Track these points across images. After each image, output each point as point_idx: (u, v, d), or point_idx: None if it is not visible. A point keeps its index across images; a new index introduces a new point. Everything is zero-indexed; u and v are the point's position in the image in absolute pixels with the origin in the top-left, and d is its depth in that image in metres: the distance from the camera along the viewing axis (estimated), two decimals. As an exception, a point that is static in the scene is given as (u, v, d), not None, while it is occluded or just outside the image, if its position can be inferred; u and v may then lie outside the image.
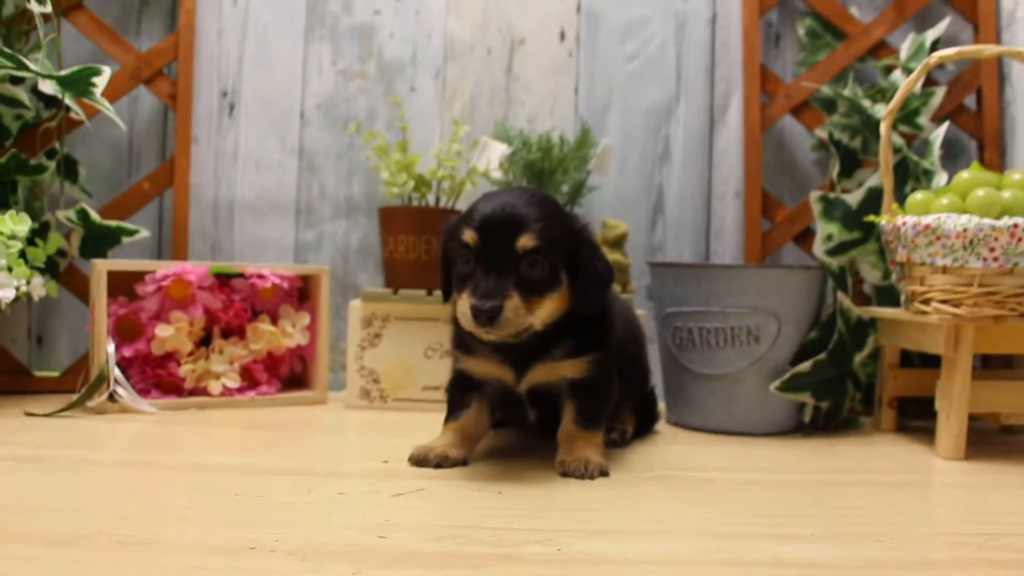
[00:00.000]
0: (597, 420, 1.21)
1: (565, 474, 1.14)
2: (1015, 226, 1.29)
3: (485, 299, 1.05)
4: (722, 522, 0.97)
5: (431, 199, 1.68)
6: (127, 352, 1.54)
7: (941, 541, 0.93)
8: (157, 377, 1.57)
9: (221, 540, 0.84)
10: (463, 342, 1.21)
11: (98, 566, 0.76)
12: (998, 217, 1.31)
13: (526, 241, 1.07)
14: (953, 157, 1.81)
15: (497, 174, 1.64)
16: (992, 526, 1.00)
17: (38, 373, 1.76)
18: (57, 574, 0.73)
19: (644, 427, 1.46)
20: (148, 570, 0.76)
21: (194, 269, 1.56)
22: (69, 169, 1.71)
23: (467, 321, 1.08)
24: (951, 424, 1.33)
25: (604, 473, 1.15)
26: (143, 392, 1.54)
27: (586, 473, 1.14)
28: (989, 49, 1.52)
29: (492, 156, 1.64)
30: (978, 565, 0.85)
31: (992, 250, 1.30)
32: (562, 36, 1.89)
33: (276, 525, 0.90)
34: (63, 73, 1.53)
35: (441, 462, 1.16)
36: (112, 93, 1.67)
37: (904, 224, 1.39)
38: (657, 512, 1.01)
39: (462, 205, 1.69)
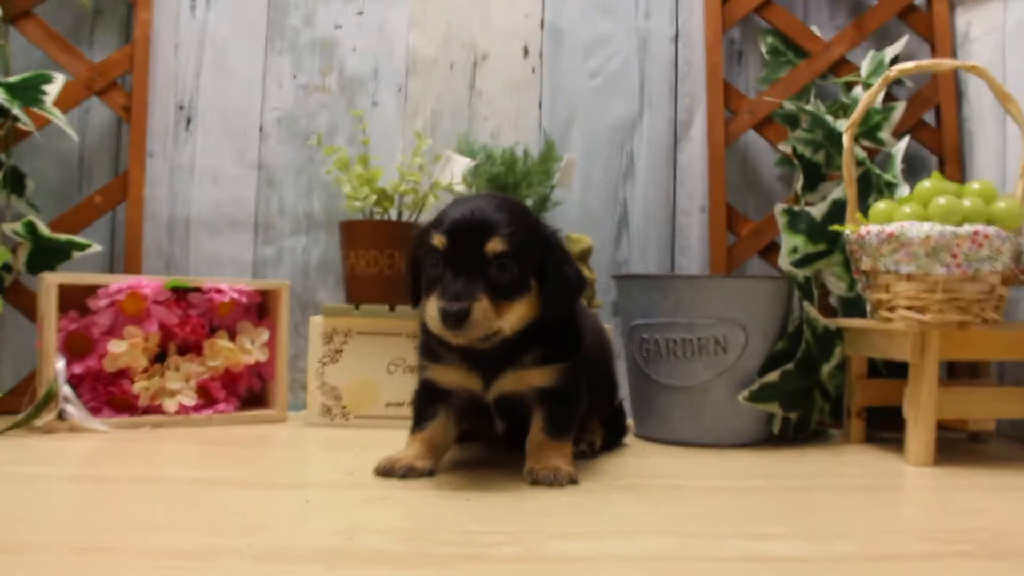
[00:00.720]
0: (567, 429, 1.19)
1: (535, 482, 1.11)
2: (975, 233, 1.30)
3: (454, 301, 1.03)
4: (693, 524, 0.95)
5: (393, 214, 1.65)
6: (78, 369, 1.48)
7: (911, 536, 0.93)
8: (109, 395, 1.51)
9: (187, 545, 0.80)
10: (431, 350, 1.18)
11: (61, 572, 0.71)
12: (959, 224, 1.32)
13: (495, 245, 1.06)
14: (915, 172, 1.83)
15: (460, 188, 1.62)
16: (960, 522, 1.00)
17: (-19, 394, 1.68)
18: None
19: (613, 440, 1.44)
20: (114, 574, 0.71)
21: (149, 283, 1.52)
22: (16, 182, 1.65)
23: (435, 324, 1.05)
24: (919, 430, 1.32)
25: (574, 481, 1.12)
26: (94, 410, 1.48)
27: (555, 481, 1.11)
28: (945, 63, 1.55)
29: (455, 170, 1.62)
30: (946, 557, 0.85)
31: (955, 256, 1.31)
32: (525, 52, 1.89)
33: (242, 531, 0.86)
34: (11, 80, 1.49)
35: (407, 473, 1.13)
36: (63, 104, 1.62)
37: (868, 233, 1.39)
38: (627, 516, 0.99)
39: (425, 219, 1.67)
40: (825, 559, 0.82)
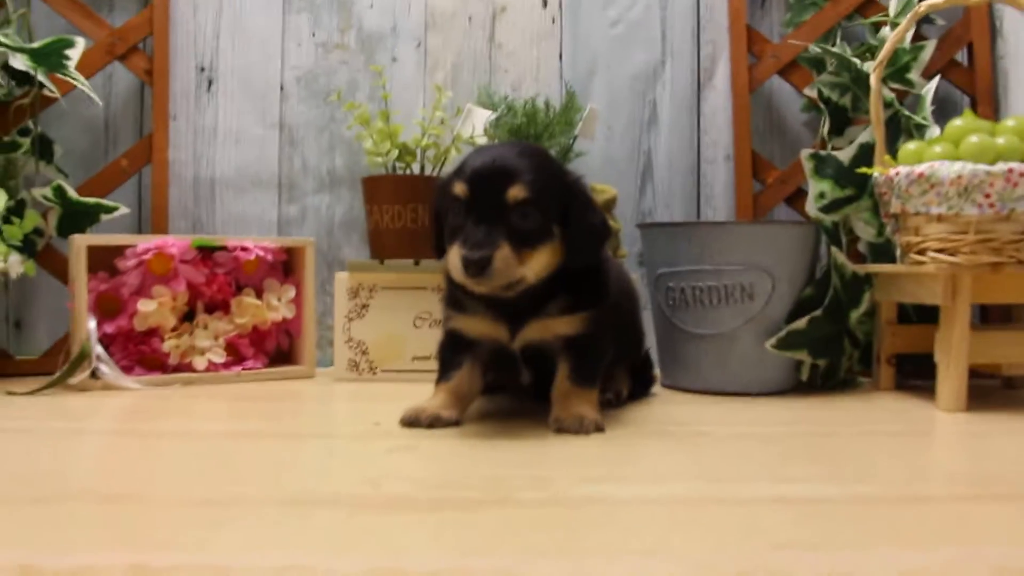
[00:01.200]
0: (593, 377, 1.19)
1: (560, 430, 1.11)
2: (1010, 171, 1.27)
3: (475, 249, 1.03)
4: (720, 469, 0.95)
5: (415, 168, 1.65)
6: (109, 328, 1.50)
7: (939, 480, 0.92)
8: (140, 354, 1.53)
9: (210, 494, 0.81)
10: (456, 300, 1.18)
11: (85, 519, 0.73)
12: (992, 163, 1.29)
13: (517, 192, 1.05)
14: (946, 115, 1.77)
15: (482, 140, 1.61)
16: (990, 467, 0.99)
17: (18, 357, 1.71)
18: (41, 529, 0.70)
19: (640, 390, 1.43)
20: (136, 521, 0.73)
21: (176, 242, 1.53)
22: (44, 148, 1.67)
23: (458, 272, 1.05)
24: (951, 376, 1.31)
25: (600, 429, 1.12)
26: (126, 369, 1.50)
27: (581, 429, 1.11)
28: (978, -3, 1.50)
29: (477, 122, 1.61)
30: (975, 500, 0.83)
31: (988, 196, 1.28)
32: (544, 3, 1.86)
33: (266, 480, 0.87)
34: (35, 45, 1.49)
35: (433, 422, 1.13)
36: (86, 70, 1.63)
37: (898, 175, 1.36)
38: (654, 461, 0.99)
39: (447, 172, 1.67)
40: (853, 501, 0.81)
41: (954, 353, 1.30)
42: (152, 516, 0.74)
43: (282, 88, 1.84)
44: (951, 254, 1.32)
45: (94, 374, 1.44)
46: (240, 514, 0.74)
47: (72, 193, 1.63)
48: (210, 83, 1.83)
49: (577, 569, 0.62)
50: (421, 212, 1.60)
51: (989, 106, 1.76)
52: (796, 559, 0.64)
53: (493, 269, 1.03)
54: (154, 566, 0.61)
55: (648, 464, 0.97)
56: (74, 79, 1.55)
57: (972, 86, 1.78)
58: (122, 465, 0.95)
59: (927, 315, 1.50)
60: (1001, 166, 1.27)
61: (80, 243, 1.47)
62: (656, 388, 1.51)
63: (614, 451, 1.03)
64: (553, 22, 1.86)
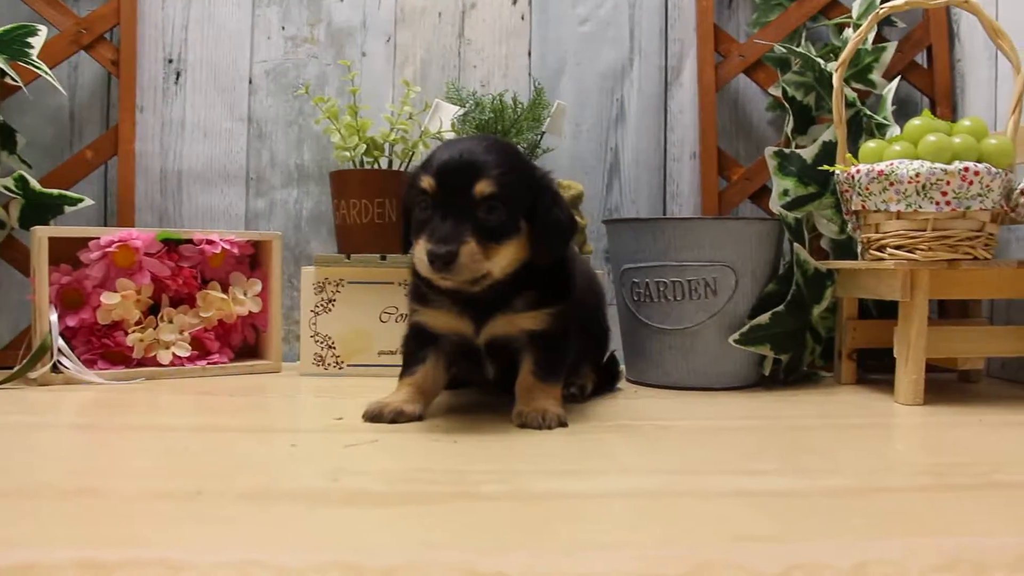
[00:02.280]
0: (556, 372, 1.19)
1: (523, 425, 1.12)
2: (966, 170, 1.30)
3: (441, 244, 1.03)
4: (683, 462, 0.96)
5: (383, 163, 1.65)
6: (71, 322, 1.49)
7: (901, 471, 0.93)
8: (104, 347, 1.52)
9: (170, 487, 0.81)
10: (421, 294, 1.18)
11: (44, 514, 0.72)
12: (949, 162, 1.32)
13: (484, 187, 1.05)
14: (906, 115, 1.80)
15: (450, 135, 1.61)
16: (951, 456, 1.01)
17: (-21, 350, 1.70)
18: None
19: (605, 386, 1.44)
20: (94, 516, 0.72)
21: (141, 235, 1.52)
22: (6, 138, 1.65)
23: (424, 267, 1.05)
24: (909, 369, 1.33)
25: (563, 423, 1.13)
26: (89, 363, 1.49)
27: (544, 423, 1.11)
28: (937, -1, 1.52)
29: (444, 118, 1.61)
30: (937, 490, 0.85)
31: (944, 194, 1.31)
32: (514, 0, 1.87)
33: (226, 474, 0.87)
34: (-4, 33, 1.48)
35: (396, 417, 1.14)
36: (51, 59, 1.61)
37: (859, 172, 1.38)
38: (617, 455, 1.00)
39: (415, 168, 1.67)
40: (816, 493, 0.82)
41: (912, 347, 1.33)
42: (109, 511, 0.74)
43: (251, 81, 1.84)
44: (909, 251, 1.34)
45: (55, 368, 1.43)
46: (198, 509, 0.74)
47: (35, 184, 1.61)
48: (178, 75, 1.82)
49: (539, 563, 0.62)
50: (389, 207, 1.60)
51: (947, 107, 1.79)
52: (757, 551, 0.65)
53: (459, 264, 1.03)
54: (107, 560, 0.60)
55: (611, 458, 0.98)
56: (37, 67, 1.53)
57: (931, 87, 1.81)
58: (81, 460, 0.94)
59: (887, 310, 1.52)
60: (957, 165, 1.30)
61: (42, 235, 1.46)
62: (621, 383, 1.52)
63: (577, 445, 1.03)
64: (522, 19, 1.87)
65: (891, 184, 1.33)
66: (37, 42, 1.51)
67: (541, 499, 0.79)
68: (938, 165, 1.30)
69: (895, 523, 0.73)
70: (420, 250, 1.05)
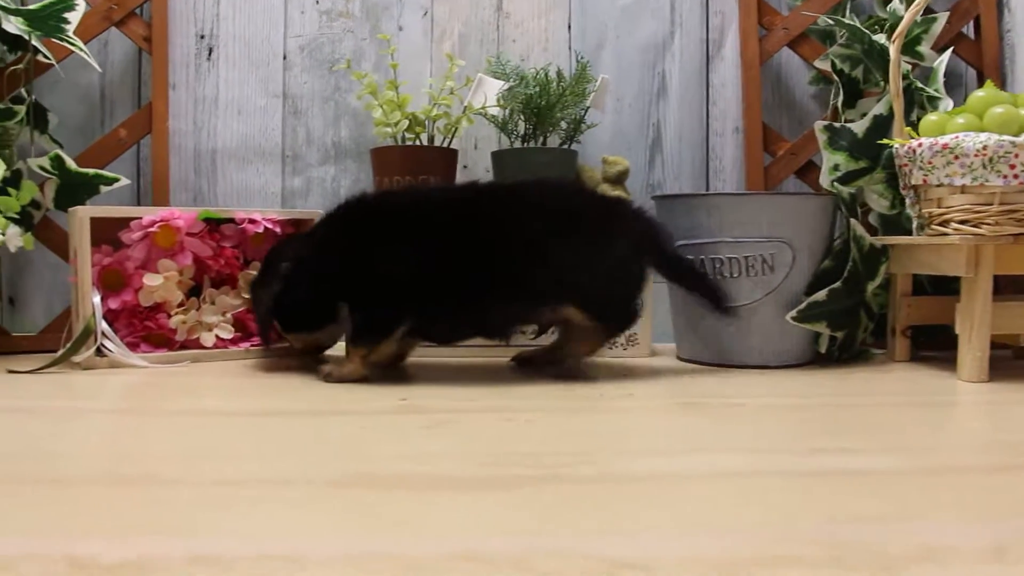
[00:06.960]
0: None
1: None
2: (1035, 142, 1.26)
3: None
4: (755, 441, 0.94)
5: (424, 139, 1.61)
6: (113, 304, 1.46)
7: (972, 450, 0.91)
8: (146, 330, 1.49)
9: (239, 474, 0.78)
10: None
11: (100, 502, 0.69)
12: (1017, 134, 1.29)
13: None
14: (951, 87, 1.78)
15: (495, 111, 1.58)
16: (1021, 436, 0.98)
17: (14, 334, 1.66)
18: (58, 511, 0.67)
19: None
20: (164, 503, 0.69)
21: (182, 215, 1.48)
22: (39, 117, 1.61)
23: None
24: (973, 346, 1.31)
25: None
26: (132, 346, 1.46)
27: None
28: (996, -32, 1.49)
29: (489, 92, 1.58)
30: (1011, 470, 0.82)
31: (1012, 167, 1.28)
32: (552, -29, 1.83)
33: (296, 458, 0.84)
34: (32, 7, 1.44)
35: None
36: (82, 36, 1.56)
37: (920, 146, 1.35)
38: (689, 434, 0.98)
39: (458, 144, 1.64)
40: (918, 472, 0.80)
41: (977, 324, 1.30)
42: (175, 499, 0.71)
43: (285, 57, 1.80)
44: (975, 225, 1.31)
45: (99, 351, 1.40)
46: (282, 496, 0.71)
47: (71, 163, 1.57)
48: (210, 51, 1.78)
49: (634, 544, 0.60)
50: (432, 183, 1.56)
51: (996, 79, 1.75)
52: (878, 532, 0.63)
53: None
54: (222, 555, 0.58)
55: (684, 437, 0.96)
56: (72, 44, 1.49)
57: (979, 59, 1.78)
58: (133, 445, 0.91)
59: (943, 286, 1.50)
60: (1026, 137, 1.27)
61: (83, 215, 1.42)
62: (673, 361, 1.49)
63: (648, 423, 1.03)
64: (561, -9, 1.83)
65: (956, 158, 1.30)
66: (75, 17, 1.47)
67: (628, 481, 0.77)
68: (1006, 138, 1.27)
69: (1018, 503, 0.70)
70: None
